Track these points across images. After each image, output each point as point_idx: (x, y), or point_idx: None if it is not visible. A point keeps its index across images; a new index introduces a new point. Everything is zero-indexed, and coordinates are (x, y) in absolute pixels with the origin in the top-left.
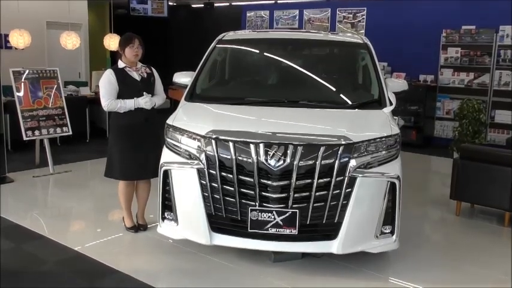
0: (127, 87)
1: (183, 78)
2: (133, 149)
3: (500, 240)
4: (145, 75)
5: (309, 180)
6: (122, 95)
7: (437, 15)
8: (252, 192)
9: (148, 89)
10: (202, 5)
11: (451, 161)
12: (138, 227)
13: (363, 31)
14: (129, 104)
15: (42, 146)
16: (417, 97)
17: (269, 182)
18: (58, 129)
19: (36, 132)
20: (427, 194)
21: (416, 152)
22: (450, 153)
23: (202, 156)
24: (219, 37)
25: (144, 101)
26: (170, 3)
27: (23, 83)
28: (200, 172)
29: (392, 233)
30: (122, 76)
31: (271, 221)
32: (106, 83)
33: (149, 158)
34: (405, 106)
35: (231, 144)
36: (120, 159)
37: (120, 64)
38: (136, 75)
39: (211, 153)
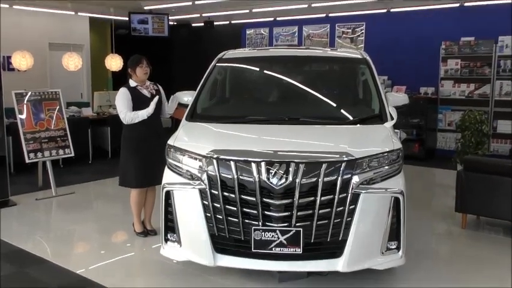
0: (140, 103)
1: (184, 97)
2: (145, 159)
3: (508, 252)
4: (154, 92)
5: (312, 198)
6: (136, 110)
7: (436, 28)
8: (255, 212)
9: (158, 104)
10: (203, 24)
11: (455, 173)
12: (148, 232)
13: (363, 46)
14: (141, 114)
15: (44, 168)
16: (419, 110)
17: (272, 201)
18: (60, 151)
19: (39, 155)
20: (432, 207)
21: (419, 164)
22: (454, 165)
23: (204, 177)
24: (219, 56)
25: (152, 108)
26: (171, 23)
27: (25, 105)
28: (202, 192)
29: (398, 248)
30: (135, 94)
31: (275, 241)
32: (123, 98)
33: (158, 166)
34: (407, 119)
35: (232, 163)
36: (134, 169)
37: (132, 83)
38: (146, 93)
39: (213, 173)
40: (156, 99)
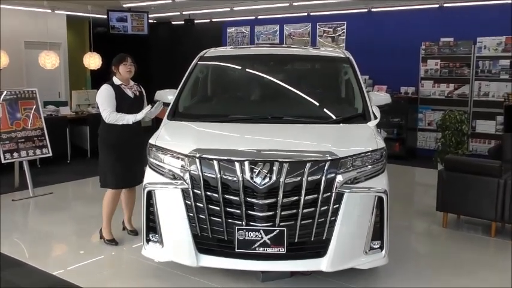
0: (122, 103)
1: (167, 96)
2: (123, 160)
3: (488, 251)
4: (137, 93)
5: (296, 197)
6: (118, 110)
7: (416, 28)
8: (238, 211)
9: (140, 106)
10: (183, 22)
11: (436, 172)
12: (129, 233)
13: (344, 45)
14: (127, 118)
15: (21, 168)
16: (399, 109)
17: (255, 200)
18: (38, 151)
19: (15, 155)
20: (414, 206)
21: (400, 163)
22: (434, 165)
23: (187, 176)
24: (201, 54)
25: (141, 116)
26: (150, 21)
27: (0, 105)
28: (185, 192)
29: (381, 248)
30: (118, 92)
31: (259, 240)
32: (106, 96)
33: (137, 166)
34: (388, 118)
35: (215, 162)
36: (113, 169)
37: (116, 81)
38: (130, 93)
39: (196, 173)
40: (148, 107)
